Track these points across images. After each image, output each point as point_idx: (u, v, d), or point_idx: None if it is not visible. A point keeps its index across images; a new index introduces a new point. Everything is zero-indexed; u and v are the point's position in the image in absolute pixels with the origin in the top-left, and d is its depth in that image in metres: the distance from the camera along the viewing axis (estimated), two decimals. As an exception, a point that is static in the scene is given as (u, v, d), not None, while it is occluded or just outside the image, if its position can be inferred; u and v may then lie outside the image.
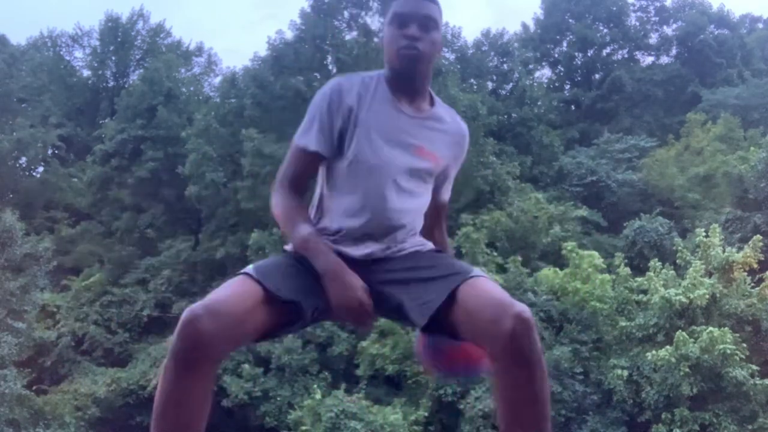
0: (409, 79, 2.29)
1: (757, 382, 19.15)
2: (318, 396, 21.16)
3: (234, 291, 2.06)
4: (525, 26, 48.50)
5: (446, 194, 2.50)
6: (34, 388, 24.53)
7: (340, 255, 2.21)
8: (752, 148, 28.82)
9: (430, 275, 2.18)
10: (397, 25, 2.27)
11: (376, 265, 2.26)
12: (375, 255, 2.28)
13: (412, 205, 2.31)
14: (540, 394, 1.97)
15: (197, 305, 1.98)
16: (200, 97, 41.05)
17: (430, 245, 2.38)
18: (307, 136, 2.27)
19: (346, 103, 2.26)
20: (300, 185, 2.31)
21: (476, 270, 2.18)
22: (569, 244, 24.05)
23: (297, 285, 2.14)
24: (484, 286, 2.07)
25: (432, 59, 2.30)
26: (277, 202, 2.28)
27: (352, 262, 2.22)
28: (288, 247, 2.33)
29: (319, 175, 2.37)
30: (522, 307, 1.96)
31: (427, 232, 2.42)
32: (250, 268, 2.16)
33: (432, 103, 2.36)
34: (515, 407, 1.99)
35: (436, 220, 2.48)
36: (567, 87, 47.58)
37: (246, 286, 2.07)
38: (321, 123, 2.26)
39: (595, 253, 23.97)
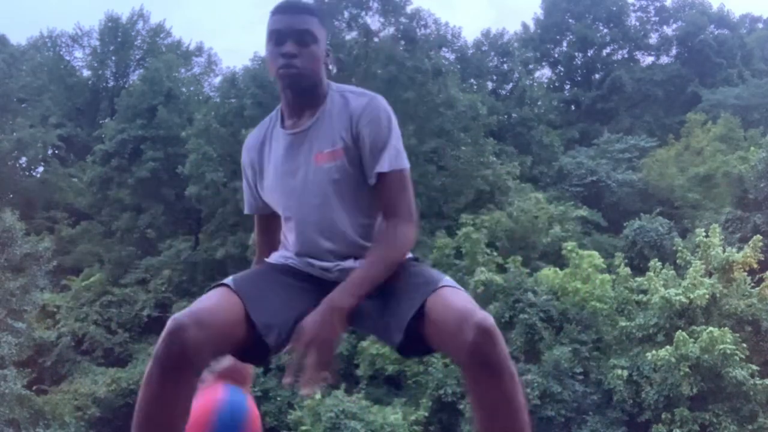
0: (293, 96, 2.27)
1: (757, 382, 19.15)
2: (318, 396, 21.14)
3: (219, 303, 2.06)
4: (525, 26, 48.59)
5: (383, 165, 2.21)
6: (34, 388, 24.52)
7: (306, 268, 2.29)
8: (752, 148, 28.82)
9: (398, 288, 2.16)
10: (274, 42, 2.24)
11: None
12: (329, 272, 2.28)
13: (336, 215, 2.24)
14: (512, 402, 1.96)
15: (183, 314, 1.98)
16: (200, 97, 41.05)
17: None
18: (245, 204, 2.49)
19: (248, 162, 2.40)
20: (267, 245, 2.46)
21: (444, 279, 2.15)
22: (569, 244, 24.05)
23: (271, 307, 2.14)
24: (449, 297, 2.05)
25: (315, 72, 2.25)
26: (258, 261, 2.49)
27: (325, 284, 2.23)
28: (271, 259, 2.37)
29: None
30: (482, 316, 1.96)
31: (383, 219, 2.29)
32: (229, 281, 2.16)
33: (323, 104, 2.28)
34: (490, 416, 1.98)
35: (383, 203, 2.25)
36: (567, 87, 47.60)
37: (230, 300, 2.08)
38: (244, 190, 2.45)
39: (595, 253, 23.98)
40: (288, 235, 2.35)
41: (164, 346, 1.94)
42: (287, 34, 2.22)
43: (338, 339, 2.08)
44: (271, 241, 2.44)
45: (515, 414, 1.97)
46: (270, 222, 2.44)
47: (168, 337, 1.94)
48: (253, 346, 2.11)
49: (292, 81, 2.22)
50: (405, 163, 2.24)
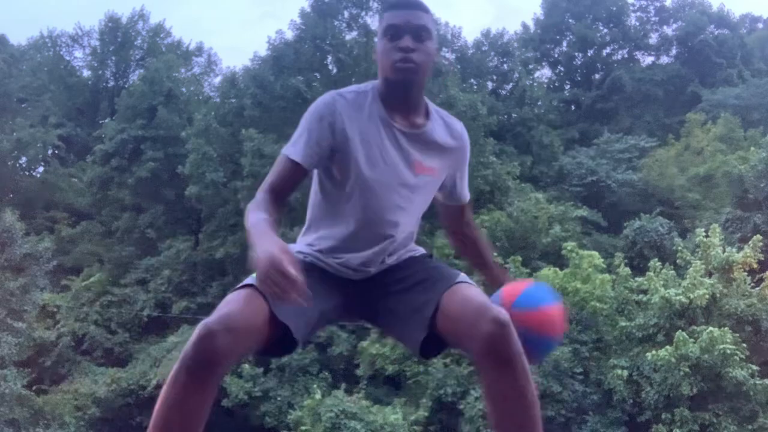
0: (405, 92, 2.27)
1: (757, 382, 19.14)
2: (318, 396, 21.15)
3: (247, 307, 2.06)
4: (525, 26, 48.53)
5: (463, 194, 2.51)
6: (34, 388, 24.54)
7: (332, 268, 2.30)
8: (752, 148, 28.80)
9: (417, 284, 2.24)
10: (390, 37, 2.24)
11: (371, 282, 2.32)
12: (368, 268, 2.32)
13: (406, 219, 2.33)
14: (524, 395, 2.01)
15: (213, 320, 1.99)
16: (200, 97, 41.06)
17: (420, 251, 2.42)
18: (294, 148, 2.24)
19: (339, 120, 2.24)
20: (279, 194, 2.24)
21: (460, 275, 2.22)
22: (569, 244, 24.05)
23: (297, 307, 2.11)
24: (465, 292, 2.12)
25: (428, 69, 2.27)
26: (251, 209, 2.17)
27: (348, 283, 2.30)
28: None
29: (312, 191, 2.38)
30: (498, 310, 2.02)
31: (459, 234, 2.58)
32: (251, 280, 2.14)
33: (427, 114, 2.33)
34: (502, 409, 2.03)
35: (461, 221, 2.57)
36: (567, 87, 47.59)
37: (256, 302, 2.08)
38: (309, 137, 2.23)
39: (595, 253, 23.97)
40: (341, 220, 2.30)
41: (194, 351, 1.96)
42: (405, 28, 2.23)
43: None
44: (279, 196, 2.23)
45: (527, 409, 2.02)
46: (299, 180, 2.26)
47: (198, 342, 1.96)
48: (279, 343, 2.13)
49: (409, 75, 2.22)
50: None
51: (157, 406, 2.03)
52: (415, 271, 2.30)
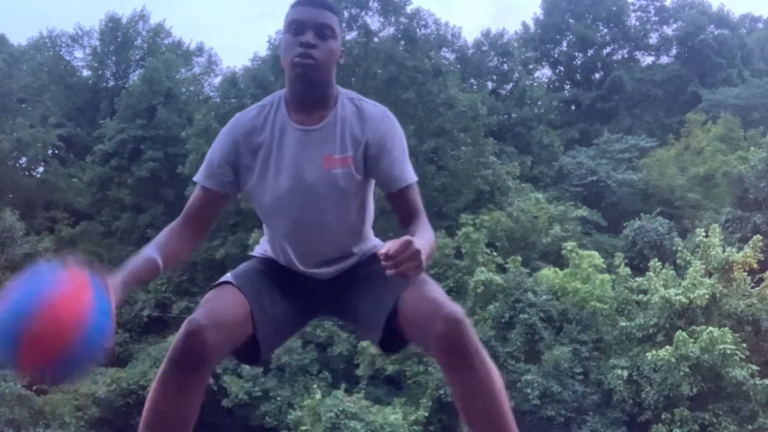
0: (305, 89, 2.24)
1: (757, 382, 19.14)
2: (318, 396, 21.15)
3: (231, 303, 2.12)
4: (525, 26, 48.54)
5: (398, 178, 2.28)
6: (34, 388, 24.51)
7: (294, 273, 2.33)
8: (752, 148, 28.82)
9: (380, 284, 2.20)
10: (293, 32, 2.23)
11: (335, 279, 2.34)
12: (318, 270, 2.33)
13: (332, 217, 2.27)
14: (488, 387, 2.01)
15: (200, 316, 2.02)
16: (200, 97, 41.04)
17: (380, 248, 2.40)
18: (199, 174, 2.31)
19: (238, 141, 2.27)
20: (192, 218, 2.32)
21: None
22: (569, 244, 24.05)
23: (270, 310, 2.22)
24: (422, 290, 2.11)
25: (330, 67, 2.24)
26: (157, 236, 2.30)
27: (312, 282, 2.33)
28: (255, 252, 2.45)
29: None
30: (452, 308, 2.02)
31: (403, 225, 2.33)
32: (231, 278, 2.23)
33: (335, 104, 2.29)
34: (468, 405, 2.04)
35: (407, 209, 2.31)
36: (567, 87, 47.59)
37: (238, 299, 2.14)
38: (211, 161, 2.30)
39: (595, 253, 23.97)
40: (275, 234, 2.34)
41: (183, 346, 2.00)
42: (308, 25, 2.22)
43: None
44: (191, 219, 2.32)
45: (491, 398, 2.02)
46: (214, 204, 2.33)
47: (186, 338, 2.00)
48: (249, 345, 2.18)
49: (307, 71, 2.20)
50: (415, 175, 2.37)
51: (147, 403, 2.05)
52: (378, 268, 2.23)
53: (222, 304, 2.10)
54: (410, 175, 2.30)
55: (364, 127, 2.26)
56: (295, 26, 2.23)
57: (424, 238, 2.13)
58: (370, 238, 2.43)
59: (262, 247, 2.45)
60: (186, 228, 2.31)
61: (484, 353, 2.03)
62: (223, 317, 2.05)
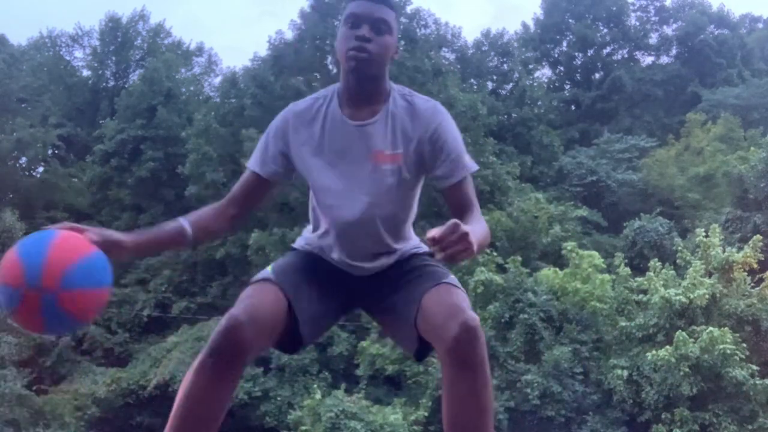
0: (359, 82, 2.26)
1: (757, 382, 19.14)
2: (318, 396, 21.15)
3: (268, 300, 2.17)
4: (525, 26, 48.55)
5: (453, 172, 2.31)
6: (34, 388, 24.52)
7: (333, 268, 2.37)
8: (752, 148, 28.80)
9: (410, 286, 2.25)
10: (350, 25, 2.25)
11: (373, 277, 2.36)
12: (361, 264, 2.36)
13: (381, 212, 2.29)
14: (479, 400, 2.07)
15: (239, 312, 2.08)
16: (200, 97, 41.06)
17: (423, 248, 2.42)
18: (252, 159, 2.38)
19: (291, 132, 2.32)
20: (236, 201, 2.39)
21: (448, 277, 2.24)
22: (569, 244, 24.04)
23: (310, 305, 2.26)
24: (444, 293, 2.15)
25: (383, 62, 2.26)
26: None
27: (350, 276, 2.36)
28: (296, 245, 2.47)
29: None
30: (470, 315, 2.04)
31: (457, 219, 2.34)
32: (271, 275, 2.25)
33: (386, 100, 2.30)
34: (456, 410, 2.11)
35: (460, 202, 2.36)
36: (567, 87, 47.58)
37: (277, 296, 2.19)
38: (265, 148, 2.36)
39: (595, 253, 23.96)
40: (322, 225, 2.38)
41: (222, 340, 2.03)
42: (365, 19, 2.24)
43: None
44: (236, 202, 2.39)
45: (480, 415, 2.08)
46: (261, 189, 2.39)
47: (226, 332, 2.04)
48: (290, 337, 2.23)
49: (361, 65, 2.22)
50: (475, 163, 2.40)
51: (180, 394, 2.09)
52: (412, 268, 2.33)
53: (261, 300, 2.15)
54: (467, 167, 2.33)
55: (415, 123, 2.27)
56: (352, 19, 2.25)
57: (477, 225, 2.14)
58: (412, 237, 2.46)
59: (303, 240, 2.48)
60: (228, 207, 2.38)
61: (487, 368, 2.07)
62: (262, 314, 2.10)
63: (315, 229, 2.41)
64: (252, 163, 2.37)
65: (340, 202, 2.28)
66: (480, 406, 2.07)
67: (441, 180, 2.31)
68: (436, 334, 2.09)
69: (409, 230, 2.45)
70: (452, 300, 2.11)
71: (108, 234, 2.10)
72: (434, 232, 1.87)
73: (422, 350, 2.26)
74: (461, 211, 2.31)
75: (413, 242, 2.43)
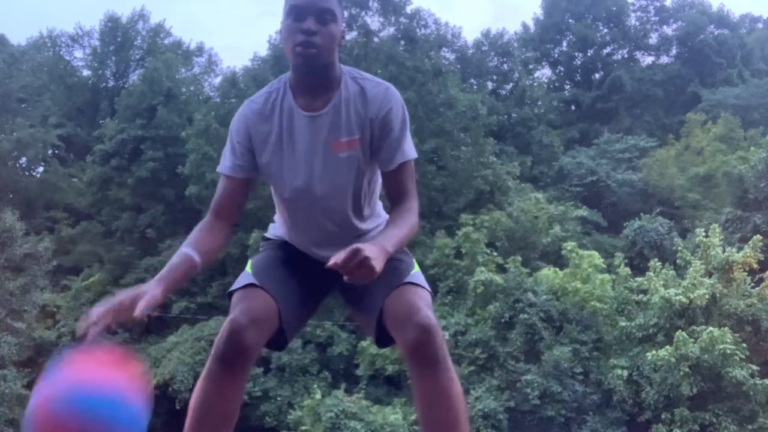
0: (309, 75, 2.25)
1: (757, 382, 19.15)
2: (318, 396, 21.16)
3: (262, 302, 2.21)
4: (525, 26, 48.55)
5: (396, 155, 2.27)
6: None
7: (307, 255, 2.42)
8: (752, 148, 28.82)
9: (377, 282, 2.19)
10: (293, 17, 2.22)
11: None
12: (328, 253, 2.31)
13: (340, 200, 2.32)
14: (448, 396, 2.09)
15: (239, 316, 2.13)
16: (200, 97, 41.00)
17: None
18: (222, 163, 2.37)
19: (251, 127, 2.31)
20: (223, 210, 2.38)
21: (410, 275, 2.27)
22: (569, 244, 24.05)
23: (291, 301, 2.31)
24: (404, 294, 2.19)
25: (332, 51, 2.24)
26: (190, 235, 2.37)
27: (323, 264, 2.31)
28: (269, 234, 2.53)
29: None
30: (424, 315, 2.09)
31: (391, 204, 2.36)
32: (254, 279, 2.27)
33: (339, 86, 2.28)
34: (427, 409, 2.12)
35: (397, 188, 2.31)
36: (567, 87, 47.59)
37: (266, 297, 2.23)
38: (231, 148, 2.36)
39: (595, 253, 23.98)
40: (289, 217, 2.41)
41: (227, 345, 2.10)
42: (308, 11, 2.21)
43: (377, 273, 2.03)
44: (221, 211, 2.39)
45: (450, 410, 2.10)
46: (241, 190, 2.38)
47: (229, 336, 2.10)
48: (278, 335, 2.28)
49: (310, 59, 2.21)
50: (415, 151, 2.34)
51: (193, 401, 2.14)
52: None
53: (255, 303, 2.19)
54: (405, 154, 2.29)
55: (367, 106, 2.26)
56: (295, 12, 2.21)
57: (393, 231, 2.17)
58: (380, 213, 2.47)
59: (275, 229, 2.52)
60: (216, 221, 2.38)
61: (450, 364, 2.11)
62: (259, 315, 2.16)
63: (284, 223, 2.45)
64: (224, 169, 2.36)
65: (301, 195, 2.29)
66: (451, 401, 2.10)
67: (380, 164, 2.30)
68: (397, 336, 2.15)
69: (376, 206, 2.45)
70: (410, 301, 2.15)
71: (149, 298, 2.08)
72: (336, 257, 1.94)
73: (384, 339, 2.28)
74: (394, 199, 2.31)
75: (382, 217, 2.45)
